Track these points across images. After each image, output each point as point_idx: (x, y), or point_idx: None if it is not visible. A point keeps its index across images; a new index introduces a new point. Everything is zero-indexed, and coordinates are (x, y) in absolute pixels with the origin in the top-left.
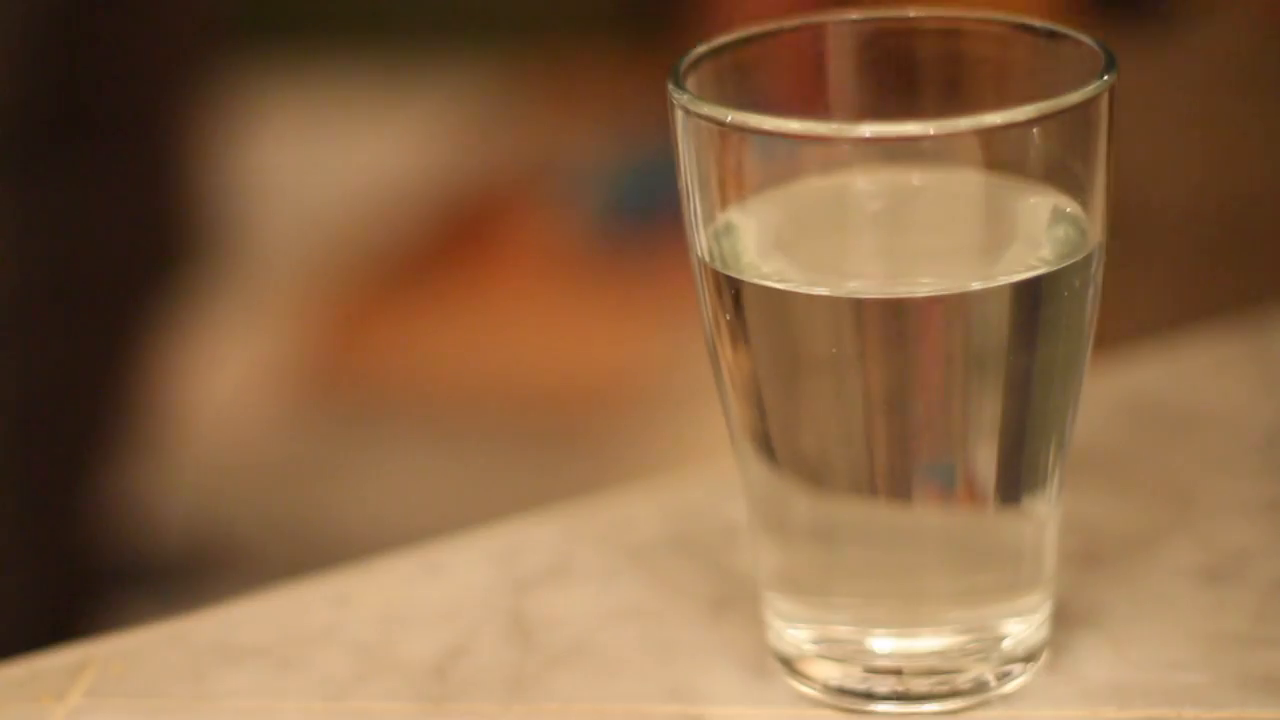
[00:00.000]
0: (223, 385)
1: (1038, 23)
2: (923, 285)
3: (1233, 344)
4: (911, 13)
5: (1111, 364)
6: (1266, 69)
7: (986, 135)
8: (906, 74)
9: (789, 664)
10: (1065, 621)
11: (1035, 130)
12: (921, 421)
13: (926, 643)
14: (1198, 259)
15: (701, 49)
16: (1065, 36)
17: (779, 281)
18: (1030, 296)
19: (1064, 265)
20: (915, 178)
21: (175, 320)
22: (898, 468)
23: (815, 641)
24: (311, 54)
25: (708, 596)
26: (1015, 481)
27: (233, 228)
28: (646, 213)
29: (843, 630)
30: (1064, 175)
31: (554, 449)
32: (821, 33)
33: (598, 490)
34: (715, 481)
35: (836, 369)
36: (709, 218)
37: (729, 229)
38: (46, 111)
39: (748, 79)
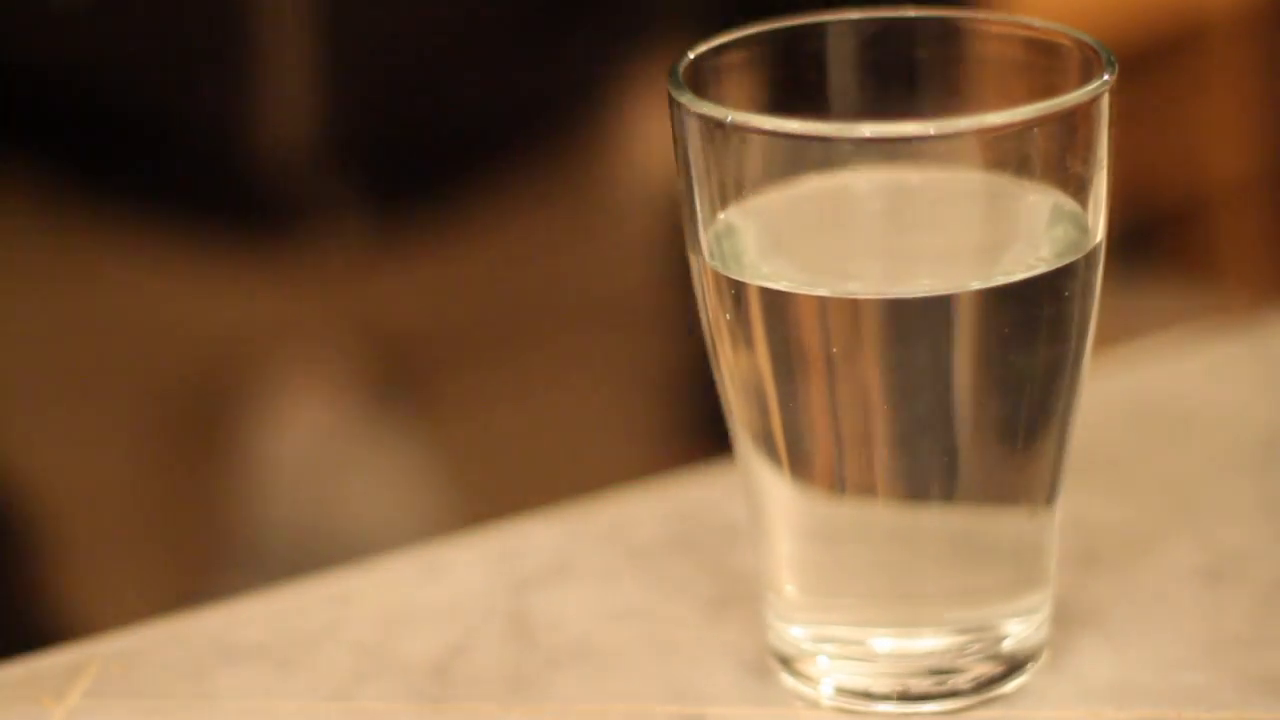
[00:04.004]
0: None
1: (1037, 22)
2: (923, 285)
3: (1233, 344)
4: (911, 13)
5: (1111, 364)
6: None
7: (986, 135)
8: (906, 74)
9: (789, 664)
10: (1065, 621)
11: (1035, 130)
12: (921, 421)
13: (926, 643)
14: None
15: (701, 48)
16: (1065, 36)
17: (779, 282)
18: (1030, 296)
19: (1064, 265)
20: (915, 178)
21: None
22: (898, 468)
23: (815, 641)
24: None
25: (708, 596)
26: (1015, 481)
27: None
28: None
29: (843, 630)
30: (1064, 175)
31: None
32: (821, 33)
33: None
34: (715, 481)
35: (836, 369)
36: (709, 218)
37: (729, 229)
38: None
39: (747, 79)
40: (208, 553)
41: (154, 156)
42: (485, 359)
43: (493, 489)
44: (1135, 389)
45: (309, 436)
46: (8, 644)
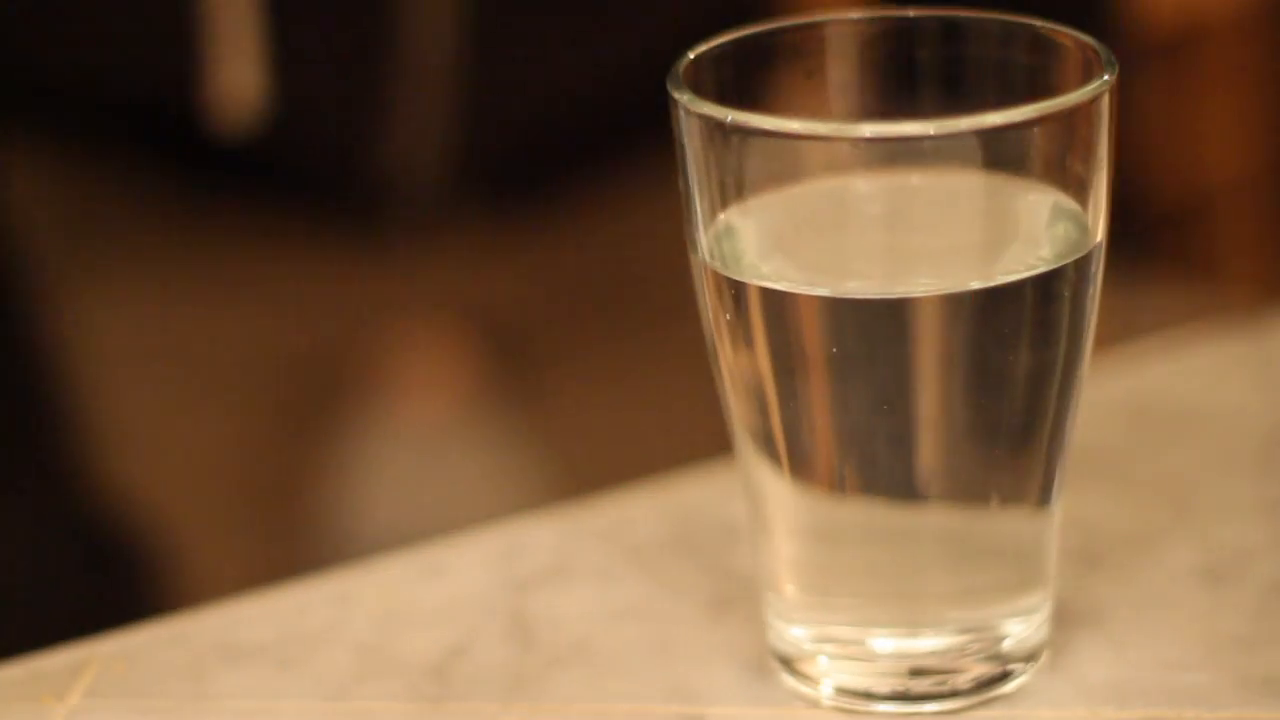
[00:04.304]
0: None
1: (1038, 22)
2: (923, 285)
3: (1233, 344)
4: (911, 13)
5: (1111, 364)
6: None
7: (986, 135)
8: (906, 74)
9: (789, 664)
10: (1065, 621)
11: (1035, 130)
12: (921, 421)
13: (927, 643)
14: None
15: (701, 48)
16: (1066, 36)
17: (779, 282)
18: (1030, 296)
19: (1064, 265)
20: (915, 178)
21: None
22: (898, 468)
23: (815, 641)
24: None
25: (708, 596)
26: (1015, 482)
27: None
28: None
29: (843, 630)
30: (1064, 175)
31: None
32: (821, 33)
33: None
34: (715, 481)
35: (836, 369)
36: (709, 218)
37: (729, 230)
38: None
39: (748, 79)
40: (318, 530)
41: (282, 151)
42: (589, 343)
43: (594, 467)
44: (1135, 389)
45: (418, 416)
46: (118, 617)
